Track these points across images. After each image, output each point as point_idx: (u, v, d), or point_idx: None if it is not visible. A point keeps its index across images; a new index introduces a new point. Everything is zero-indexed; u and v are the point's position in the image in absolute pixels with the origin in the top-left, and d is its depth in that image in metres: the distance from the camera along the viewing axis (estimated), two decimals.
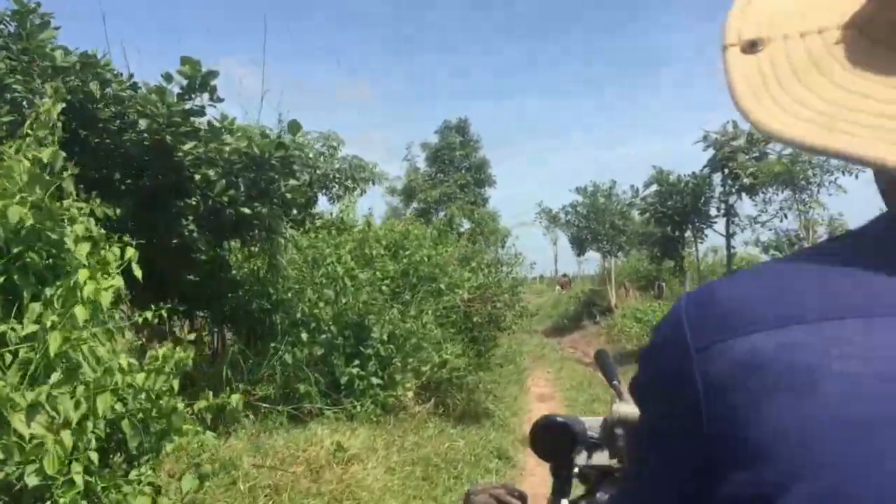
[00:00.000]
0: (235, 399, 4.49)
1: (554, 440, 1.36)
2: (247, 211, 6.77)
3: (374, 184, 10.88)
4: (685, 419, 0.54)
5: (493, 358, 10.87)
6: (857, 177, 12.66)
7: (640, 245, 21.95)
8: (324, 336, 7.41)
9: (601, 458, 1.45)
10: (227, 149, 6.74)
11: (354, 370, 7.43)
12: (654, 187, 16.64)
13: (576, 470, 1.42)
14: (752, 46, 0.58)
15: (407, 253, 9.27)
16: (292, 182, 7.07)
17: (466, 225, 21.82)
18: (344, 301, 7.45)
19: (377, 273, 7.99)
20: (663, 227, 16.86)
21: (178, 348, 4.03)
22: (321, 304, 7.45)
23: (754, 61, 0.58)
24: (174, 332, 8.42)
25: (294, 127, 6.86)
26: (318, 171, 10.35)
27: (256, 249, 8.12)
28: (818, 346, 0.49)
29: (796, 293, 0.53)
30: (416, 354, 7.91)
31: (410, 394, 7.53)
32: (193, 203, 7.20)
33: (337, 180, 10.48)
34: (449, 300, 9.53)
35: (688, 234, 16.59)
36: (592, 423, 1.46)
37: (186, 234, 7.00)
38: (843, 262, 0.53)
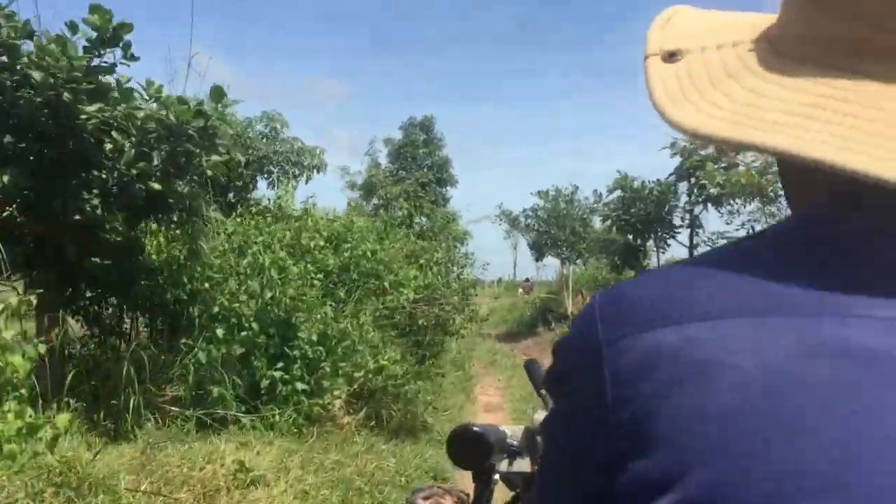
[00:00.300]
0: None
1: (471, 449, 1.37)
2: (157, 187, 5.89)
3: (319, 171, 10.04)
4: (590, 408, 0.55)
5: (440, 364, 10.10)
6: None
7: (601, 252, 21.46)
8: (244, 333, 6.57)
9: (522, 465, 1.48)
10: (141, 115, 5.88)
11: (277, 373, 6.61)
12: (618, 193, 16.02)
13: (496, 477, 1.46)
14: (671, 56, 0.62)
15: (348, 246, 8.45)
16: (215, 157, 6.22)
17: (426, 223, 21.11)
18: (269, 295, 6.61)
19: (310, 266, 7.15)
20: (625, 234, 16.27)
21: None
22: (243, 298, 6.60)
23: (673, 69, 0.62)
24: (83, 319, 7.54)
25: (217, 94, 6.00)
26: (256, 153, 9.51)
27: (179, 233, 7.25)
28: (716, 341, 0.51)
29: (699, 292, 0.54)
30: (349, 358, 7.11)
31: (339, 402, 6.73)
32: (100, 176, 6.32)
33: (278, 164, 9.62)
34: (392, 300, 8.75)
35: (650, 243, 16.01)
36: (514, 432, 1.51)
37: (89, 210, 6.10)
38: (746, 263, 0.54)
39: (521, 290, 38.68)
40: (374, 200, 29.44)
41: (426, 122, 36.29)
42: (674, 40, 0.64)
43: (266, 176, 9.65)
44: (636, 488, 0.51)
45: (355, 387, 7.05)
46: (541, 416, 1.46)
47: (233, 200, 9.43)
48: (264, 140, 9.53)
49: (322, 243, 8.35)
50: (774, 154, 0.54)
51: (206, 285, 6.60)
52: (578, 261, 26.20)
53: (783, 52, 0.59)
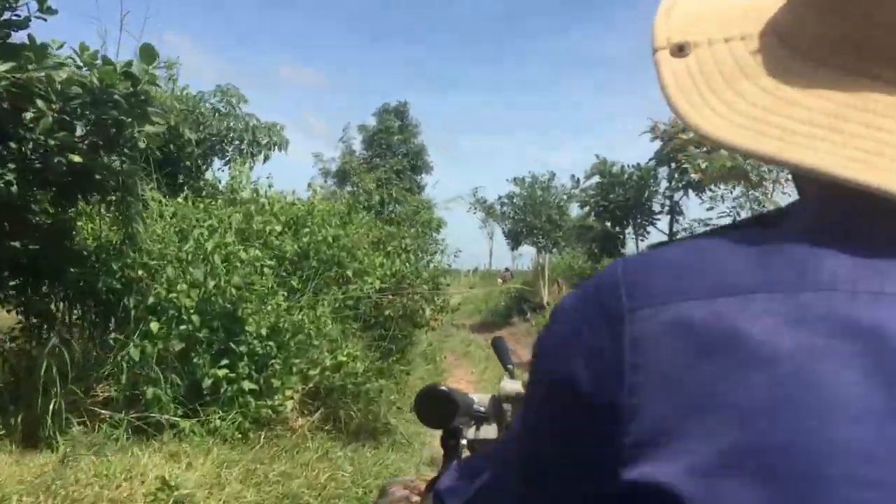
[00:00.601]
0: None
1: (437, 408, 1.38)
2: (77, 159, 5.15)
3: (281, 149, 9.28)
4: (603, 371, 0.53)
5: (407, 359, 9.42)
6: None
7: (578, 240, 20.88)
8: (183, 327, 5.85)
9: (489, 431, 1.50)
10: (61, 77, 5.12)
11: (221, 371, 5.90)
12: (596, 178, 15.39)
13: (464, 442, 1.46)
14: (679, 50, 0.60)
15: (306, 231, 7.73)
16: (149, 128, 5.48)
17: (395, 208, 20.40)
18: (213, 284, 5.89)
19: (259, 252, 6.43)
20: (603, 221, 15.66)
21: None
22: (182, 287, 5.88)
23: (683, 65, 0.60)
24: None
25: (147, 54, 5.25)
26: (209, 130, 8.75)
27: (114, 215, 6.50)
28: (747, 317, 0.49)
29: (730, 266, 0.52)
30: (303, 354, 6.42)
31: (292, 403, 6.03)
32: (20, 148, 5.56)
33: (232, 142, 8.86)
34: (356, 289, 8.05)
35: (629, 230, 15.43)
36: (482, 399, 1.52)
37: (2, 186, 5.34)
38: (776, 239, 0.53)
39: (500, 279, 38.28)
40: (348, 188, 28.70)
41: (400, 108, 35.58)
42: (680, 32, 0.62)
43: (221, 156, 8.89)
44: (644, 453, 0.49)
45: (310, 386, 6.36)
46: (508, 384, 1.52)
47: (182, 182, 8.68)
48: (217, 116, 8.75)
49: (279, 228, 7.62)
50: (800, 171, 0.53)
51: (140, 273, 5.85)
52: (554, 249, 25.61)
53: (799, 50, 0.57)
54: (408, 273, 9.08)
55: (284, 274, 6.86)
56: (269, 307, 6.22)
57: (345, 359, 6.51)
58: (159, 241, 6.19)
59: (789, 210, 0.59)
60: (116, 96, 5.11)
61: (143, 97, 5.26)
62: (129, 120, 5.39)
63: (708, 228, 0.94)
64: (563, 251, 26.20)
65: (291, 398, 6.03)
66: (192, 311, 5.85)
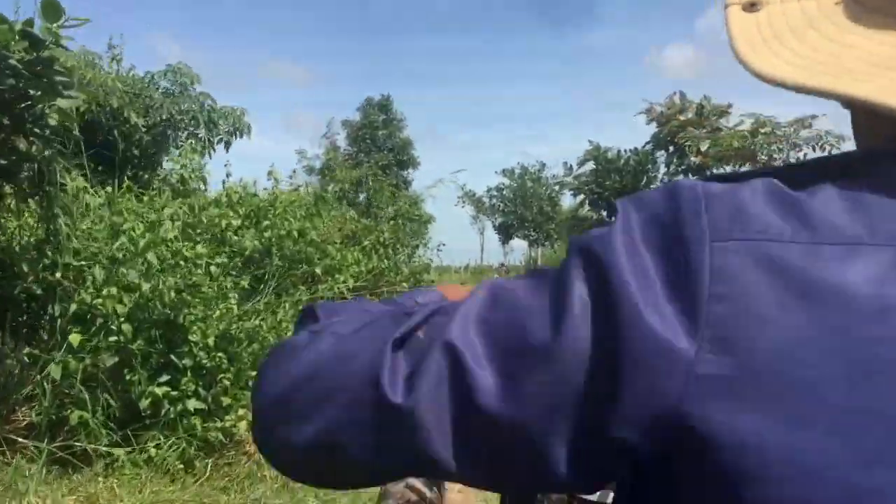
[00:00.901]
0: None
1: None
2: None
3: (241, 135, 8.37)
4: (675, 285, 0.50)
5: None
6: (829, 152, 10.77)
7: (571, 232, 20.04)
8: (114, 339, 4.96)
9: None
10: None
11: (160, 390, 5.00)
12: (590, 165, 14.52)
13: None
14: (751, 6, 0.62)
15: (266, 224, 6.82)
16: (61, 102, 4.57)
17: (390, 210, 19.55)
18: (147, 287, 4.99)
19: (203, 249, 5.50)
20: (599, 210, 14.80)
21: None
22: (112, 291, 4.97)
23: (753, 19, 0.61)
24: None
25: (51, 11, 4.32)
26: (158, 115, 7.83)
27: (37, 209, 5.59)
28: (853, 266, 0.48)
29: (829, 212, 0.50)
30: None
31: (244, 423, 5.14)
32: None
33: (185, 128, 7.94)
34: (327, 288, 7.16)
35: None
36: None
37: None
38: (870, 188, 0.51)
39: (496, 274, 37.81)
40: (332, 185, 27.84)
41: (384, 102, 34.84)
42: None
43: (176, 143, 7.96)
44: (718, 392, 0.47)
45: None
46: None
47: (132, 173, 7.77)
48: (167, 99, 7.82)
49: (236, 222, 6.71)
50: (854, 102, 0.54)
51: (59, 276, 4.94)
52: (547, 242, 24.81)
53: (867, 6, 0.59)
54: (386, 269, 8.19)
55: (233, 273, 5.94)
56: (217, 312, 5.32)
57: None
58: (86, 237, 5.28)
59: (857, 156, 0.58)
60: (13, 61, 4.20)
61: (48, 64, 4.34)
62: (37, 93, 4.49)
63: (778, 166, 0.71)
64: (556, 244, 25.43)
65: (244, 418, 5.13)
66: (123, 319, 4.94)
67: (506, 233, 25.39)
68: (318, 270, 7.18)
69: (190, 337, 5.13)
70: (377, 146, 33.00)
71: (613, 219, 0.55)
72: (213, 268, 5.48)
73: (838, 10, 0.59)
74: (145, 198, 6.44)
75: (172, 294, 5.01)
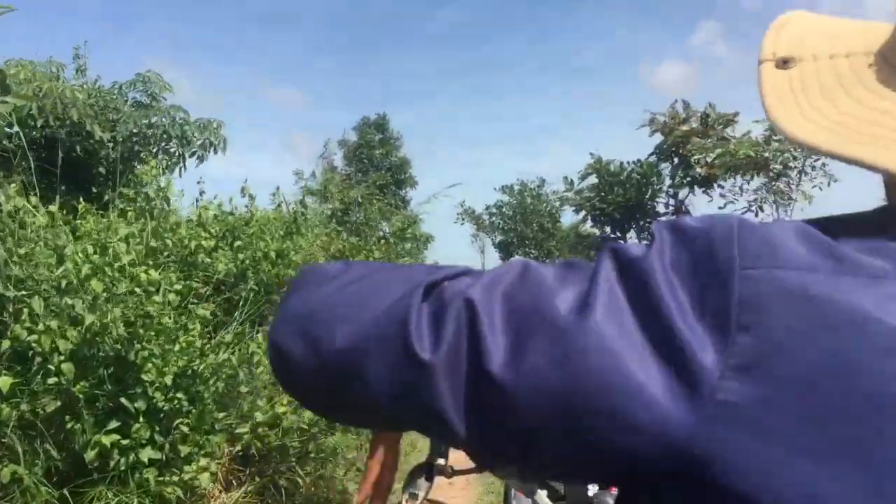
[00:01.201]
0: None
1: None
2: None
3: (217, 150, 7.74)
4: (706, 305, 0.50)
5: None
6: None
7: (573, 249, 19.44)
8: (54, 380, 4.29)
9: None
10: None
11: (109, 438, 4.34)
12: (592, 179, 13.86)
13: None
14: (784, 63, 0.63)
15: (237, 245, 6.17)
16: None
17: (386, 228, 18.94)
18: (90, 321, 4.32)
19: (156, 275, 4.84)
20: (602, 226, 14.13)
21: None
22: (52, 324, 4.32)
23: (785, 76, 0.62)
24: None
25: None
26: (128, 128, 7.21)
27: None
28: (875, 299, 0.48)
29: (851, 250, 0.51)
30: (228, 407, 4.85)
31: (207, 476, 4.46)
32: None
33: (156, 142, 7.31)
34: None
35: (631, 234, 13.86)
36: None
37: None
38: (889, 238, 0.52)
39: None
40: (330, 205, 27.29)
41: (380, 121, 34.47)
42: (787, 47, 0.64)
43: (145, 159, 7.31)
44: (736, 419, 0.47)
45: (238, 449, 4.79)
46: None
47: (98, 191, 7.15)
48: (137, 111, 7.20)
49: (206, 243, 6.06)
50: (877, 170, 0.55)
51: None
52: (547, 260, 24.20)
53: None
54: None
55: (195, 301, 5.26)
56: (177, 346, 4.66)
57: (285, 409, 4.95)
58: (25, 262, 4.63)
59: (890, 216, 0.59)
60: None
61: None
62: None
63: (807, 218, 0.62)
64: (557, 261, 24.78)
65: (207, 469, 4.46)
66: (64, 357, 4.28)
67: (506, 251, 24.79)
68: None
69: (143, 376, 4.47)
70: (374, 165, 32.61)
71: (645, 240, 0.61)
72: (171, 295, 4.82)
73: (870, 73, 0.59)
74: (104, 220, 5.80)
75: (120, 329, 4.35)
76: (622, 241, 11.04)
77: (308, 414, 5.03)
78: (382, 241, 8.77)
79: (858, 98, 0.57)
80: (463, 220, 26.14)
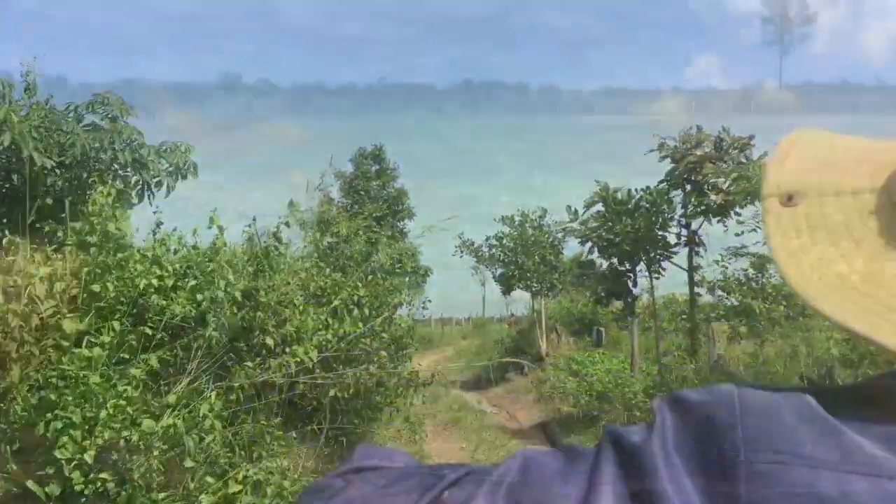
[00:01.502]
0: None
1: None
2: None
3: (185, 177, 6.91)
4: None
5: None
6: None
7: (577, 282, 18.59)
8: None
9: None
10: None
11: None
12: (598, 208, 13.02)
13: None
14: (789, 199, 0.60)
15: (191, 285, 5.29)
16: None
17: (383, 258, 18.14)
18: None
19: (73, 324, 3.95)
20: (609, 258, 13.26)
21: None
22: None
23: (790, 216, 0.60)
24: None
25: None
26: (77, 153, 6.37)
27: None
28: (881, 498, 0.46)
29: (863, 442, 0.49)
30: (170, 487, 3.94)
31: None
32: None
33: (113, 170, 6.47)
34: (280, 365, 5.60)
35: (641, 266, 12.98)
36: None
37: None
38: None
39: (507, 324, 36.95)
40: (328, 238, 26.52)
41: (377, 151, 33.87)
42: (792, 180, 0.62)
43: (97, 187, 6.47)
44: None
45: None
46: None
47: (37, 225, 6.29)
48: (87, 135, 6.36)
49: (157, 283, 5.19)
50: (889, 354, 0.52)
51: None
52: (549, 293, 23.27)
53: None
54: (360, 335, 6.63)
55: (126, 357, 4.37)
56: (104, 413, 3.75)
57: (240, 488, 4.03)
58: None
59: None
60: None
61: None
62: None
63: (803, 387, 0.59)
64: (560, 294, 23.84)
65: None
66: None
67: (506, 283, 23.92)
68: (269, 341, 5.63)
69: (57, 453, 3.56)
70: (370, 197, 32.02)
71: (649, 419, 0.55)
72: (97, 350, 3.92)
73: (875, 216, 0.57)
74: (36, 256, 4.92)
75: (23, 397, 3.46)
76: (630, 276, 9.84)
77: (270, 493, 4.11)
78: (370, 278, 7.87)
79: (868, 251, 0.55)
80: (462, 252, 25.27)
